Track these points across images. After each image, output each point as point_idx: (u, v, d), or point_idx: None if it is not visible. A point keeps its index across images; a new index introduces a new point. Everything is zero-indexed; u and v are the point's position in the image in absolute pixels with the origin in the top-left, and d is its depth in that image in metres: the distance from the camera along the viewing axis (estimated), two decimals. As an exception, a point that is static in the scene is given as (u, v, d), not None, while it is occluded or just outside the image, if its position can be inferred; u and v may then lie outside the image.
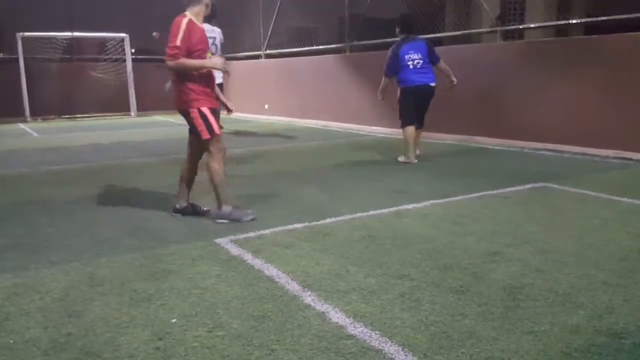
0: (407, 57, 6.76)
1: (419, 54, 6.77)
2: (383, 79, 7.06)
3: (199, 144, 4.36)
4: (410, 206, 4.62)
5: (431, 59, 6.85)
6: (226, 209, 4.30)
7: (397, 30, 7.03)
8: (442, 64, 6.92)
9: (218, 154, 4.30)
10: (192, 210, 4.54)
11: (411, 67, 6.74)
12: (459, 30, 9.80)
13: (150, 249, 3.67)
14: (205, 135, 4.23)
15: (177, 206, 4.55)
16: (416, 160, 6.83)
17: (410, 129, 6.81)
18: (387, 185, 5.52)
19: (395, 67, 6.85)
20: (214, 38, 6.79)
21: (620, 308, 2.60)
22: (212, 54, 5.02)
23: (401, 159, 6.93)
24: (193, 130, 4.33)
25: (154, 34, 12.08)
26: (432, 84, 6.76)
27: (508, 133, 8.00)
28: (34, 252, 3.67)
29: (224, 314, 2.65)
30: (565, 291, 2.81)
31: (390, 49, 7.01)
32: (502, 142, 8.02)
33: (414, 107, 6.81)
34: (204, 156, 4.41)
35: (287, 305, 2.73)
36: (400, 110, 6.91)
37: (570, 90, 7.20)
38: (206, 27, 4.56)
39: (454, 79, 6.88)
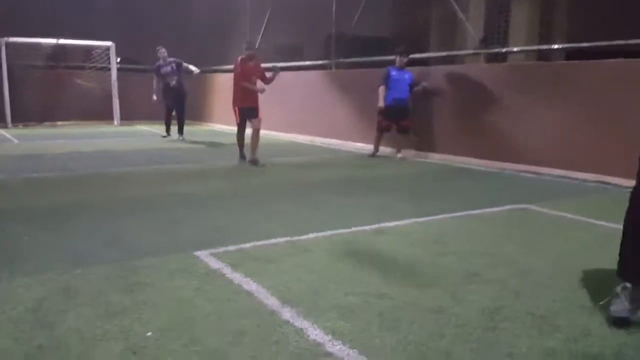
0: None
1: None
2: None
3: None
4: (392, 224, 4.63)
5: None
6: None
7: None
8: None
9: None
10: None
11: None
12: (444, 51, 9.93)
13: (128, 260, 3.61)
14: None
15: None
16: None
17: None
18: (370, 203, 5.53)
19: None
20: None
21: (597, 331, 2.62)
22: None
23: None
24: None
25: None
26: None
27: (489, 154, 8.08)
28: (7, 261, 3.59)
29: (200, 328, 2.61)
30: (542, 313, 2.82)
31: None
32: (484, 162, 8.09)
33: None
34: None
35: (265, 320, 2.70)
36: None
37: (550, 114, 7.32)
38: None
39: None
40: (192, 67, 11.83)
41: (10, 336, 2.52)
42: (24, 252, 3.81)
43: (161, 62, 11.68)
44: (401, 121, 8.72)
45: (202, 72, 16.09)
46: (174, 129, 11.84)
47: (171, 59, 11.66)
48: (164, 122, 12.17)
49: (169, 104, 11.85)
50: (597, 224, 4.70)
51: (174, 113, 11.95)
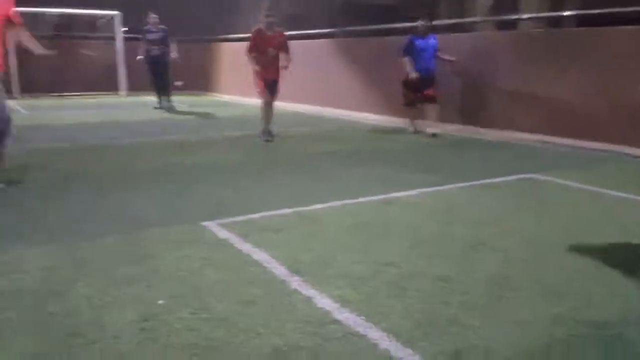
0: None
1: None
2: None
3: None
4: (400, 194, 4.63)
5: None
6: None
7: None
8: None
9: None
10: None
11: None
12: (452, 18, 9.76)
13: (136, 230, 3.65)
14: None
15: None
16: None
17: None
18: (377, 173, 5.52)
19: None
20: None
21: (602, 300, 2.63)
22: None
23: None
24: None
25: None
26: None
27: (498, 123, 8.01)
28: (15, 233, 3.63)
29: (210, 297, 2.65)
30: (548, 282, 2.84)
31: None
32: (492, 132, 8.04)
33: None
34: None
35: (274, 289, 2.73)
36: None
37: (560, 83, 7.23)
38: None
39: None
40: (174, 53, 11.56)
41: (21, 304, 2.56)
42: (32, 223, 3.85)
43: (151, 27, 11.38)
44: (426, 90, 8.11)
45: (209, 41, 15.96)
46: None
47: (161, 26, 11.40)
48: (156, 93, 11.97)
49: (152, 72, 11.60)
50: (605, 193, 4.68)
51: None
